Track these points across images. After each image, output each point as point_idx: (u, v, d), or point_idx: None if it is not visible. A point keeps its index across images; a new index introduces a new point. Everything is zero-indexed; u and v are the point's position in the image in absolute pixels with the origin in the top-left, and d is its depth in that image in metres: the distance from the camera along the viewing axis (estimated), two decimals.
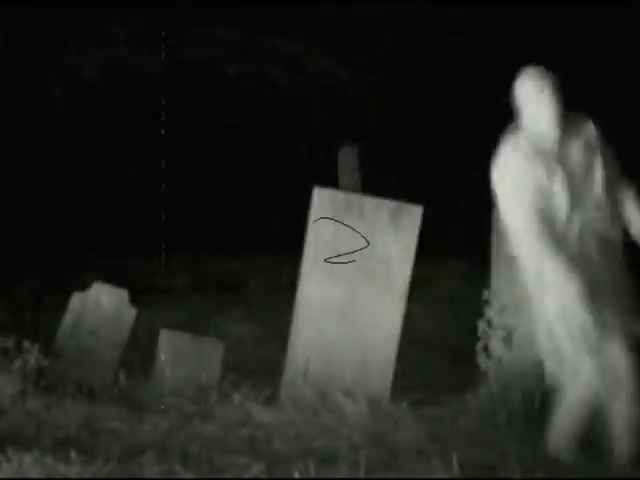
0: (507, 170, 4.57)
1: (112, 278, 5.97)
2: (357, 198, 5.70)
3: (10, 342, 5.34)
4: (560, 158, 4.58)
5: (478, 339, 5.76)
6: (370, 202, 5.64)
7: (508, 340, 5.55)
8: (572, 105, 4.63)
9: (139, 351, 5.79)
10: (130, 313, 5.71)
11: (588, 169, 4.61)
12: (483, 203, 5.28)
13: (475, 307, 5.87)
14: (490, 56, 10.41)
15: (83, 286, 5.76)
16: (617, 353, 4.43)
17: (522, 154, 4.55)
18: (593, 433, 4.57)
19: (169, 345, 5.64)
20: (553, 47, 9.53)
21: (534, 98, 4.53)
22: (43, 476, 4.14)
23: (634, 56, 9.79)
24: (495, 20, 10.47)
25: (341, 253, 5.58)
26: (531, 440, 5.02)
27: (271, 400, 5.45)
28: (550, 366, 4.63)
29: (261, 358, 6.17)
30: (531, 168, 4.54)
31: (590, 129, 4.66)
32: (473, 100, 10.50)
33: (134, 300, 5.77)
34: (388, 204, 5.63)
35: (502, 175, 4.58)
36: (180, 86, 10.22)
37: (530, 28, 10.32)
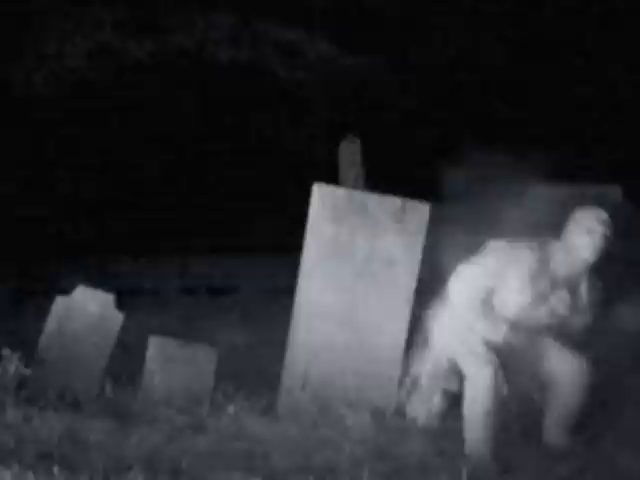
0: (499, 259, 5.25)
1: (97, 281, 5.98)
2: (359, 194, 5.72)
3: None
4: (553, 289, 5.24)
5: None
6: (373, 199, 5.66)
7: None
8: None
9: (126, 359, 5.80)
10: (117, 318, 5.72)
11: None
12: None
13: None
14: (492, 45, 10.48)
15: (66, 289, 5.77)
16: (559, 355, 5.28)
17: (525, 265, 5.21)
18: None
19: (159, 352, 5.65)
20: None
21: (584, 237, 5.15)
22: None
23: None
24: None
25: (342, 254, 5.60)
26: (543, 453, 5.07)
27: (268, 411, 5.46)
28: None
29: (257, 366, 6.18)
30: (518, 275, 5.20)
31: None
32: (478, 93, 10.52)
33: (121, 304, 5.78)
34: (393, 201, 5.65)
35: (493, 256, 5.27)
36: (169, 74, 10.23)
37: None
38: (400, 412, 5.47)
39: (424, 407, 5.45)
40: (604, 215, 5.16)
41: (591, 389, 5.26)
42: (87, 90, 9.77)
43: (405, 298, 5.60)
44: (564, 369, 5.25)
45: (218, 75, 10.25)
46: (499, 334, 5.22)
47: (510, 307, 5.21)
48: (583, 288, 5.28)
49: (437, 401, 5.45)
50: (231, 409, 5.39)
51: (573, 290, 5.26)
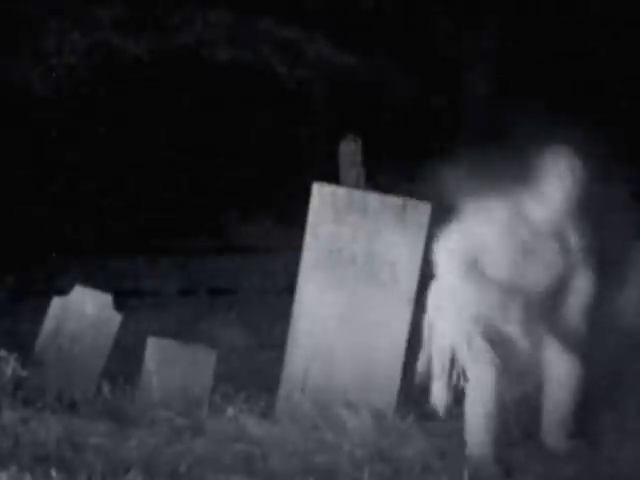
0: (480, 220, 5.17)
1: (96, 281, 5.97)
2: (360, 194, 5.70)
3: None
4: (538, 239, 5.17)
5: None
6: (374, 198, 5.64)
7: None
8: None
9: (124, 360, 5.79)
10: (115, 319, 5.70)
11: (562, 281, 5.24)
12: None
13: None
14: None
15: (65, 289, 5.75)
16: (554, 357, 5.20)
17: (502, 221, 5.15)
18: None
19: (157, 353, 5.63)
20: None
21: (554, 180, 5.09)
22: None
23: None
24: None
25: (342, 254, 5.58)
26: (544, 455, 5.07)
27: (267, 413, 5.45)
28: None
29: (256, 368, 6.17)
30: (499, 231, 5.14)
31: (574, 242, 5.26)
32: (479, 90, 10.54)
33: (119, 304, 5.77)
34: (393, 200, 5.63)
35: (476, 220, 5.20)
36: (168, 72, 10.23)
37: None
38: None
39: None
40: (572, 155, 5.08)
41: (589, 390, 5.24)
42: (86, 89, 9.76)
43: (406, 298, 5.58)
44: (561, 371, 5.21)
45: (217, 74, 10.25)
46: (491, 298, 5.14)
47: (501, 268, 5.14)
48: (572, 241, 5.22)
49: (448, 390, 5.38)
50: (230, 411, 5.38)
51: (560, 240, 5.19)
